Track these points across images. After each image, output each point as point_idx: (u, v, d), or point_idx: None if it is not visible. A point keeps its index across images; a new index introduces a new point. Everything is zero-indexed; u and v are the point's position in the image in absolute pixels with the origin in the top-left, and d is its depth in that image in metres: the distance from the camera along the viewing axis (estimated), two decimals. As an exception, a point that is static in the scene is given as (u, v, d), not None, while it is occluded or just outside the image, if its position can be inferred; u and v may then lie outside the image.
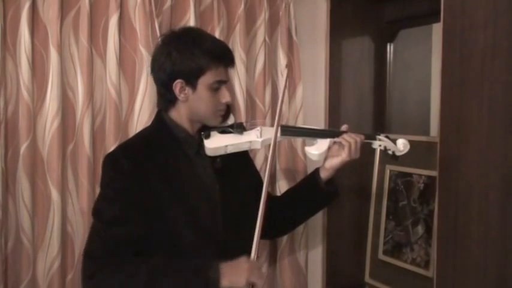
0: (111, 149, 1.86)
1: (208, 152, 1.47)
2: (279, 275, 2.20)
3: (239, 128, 1.51)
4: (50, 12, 1.81)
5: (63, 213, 1.85)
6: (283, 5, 2.18)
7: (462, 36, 1.52)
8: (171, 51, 1.42)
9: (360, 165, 2.16)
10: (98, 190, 1.88)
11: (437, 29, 1.82)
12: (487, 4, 1.45)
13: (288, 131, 1.58)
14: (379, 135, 1.64)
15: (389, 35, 2.25)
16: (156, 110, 1.89)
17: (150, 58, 1.86)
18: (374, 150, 2.15)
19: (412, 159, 1.99)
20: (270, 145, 1.46)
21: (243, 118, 2.05)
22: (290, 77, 2.21)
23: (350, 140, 1.53)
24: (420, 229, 1.95)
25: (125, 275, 1.34)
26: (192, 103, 1.45)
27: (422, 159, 1.93)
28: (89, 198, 1.86)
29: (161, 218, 1.40)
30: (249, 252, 1.34)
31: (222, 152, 1.48)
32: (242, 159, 1.60)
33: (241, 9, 2.09)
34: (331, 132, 1.60)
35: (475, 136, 1.49)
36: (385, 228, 2.11)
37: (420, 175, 1.96)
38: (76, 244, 1.88)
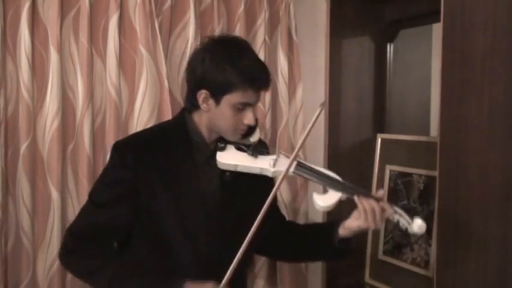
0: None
1: (219, 165, 1.45)
2: (278, 274, 2.20)
3: (255, 151, 1.46)
4: (50, 12, 1.81)
5: (63, 213, 1.85)
6: (283, 5, 2.18)
7: (462, 36, 1.52)
8: (206, 58, 1.39)
9: (360, 165, 2.16)
10: (98, 190, 1.90)
11: (437, 29, 1.82)
12: (487, 4, 1.45)
13: (303, 170, 1.45)
14: (396, 206, 1.44)
15: (389, 35, 2.25)
16: (155, 110, 1.93)
17: (150, 58, 1.89)
18: (374, 149, 2.17)
19: (412, 159, 1.99)
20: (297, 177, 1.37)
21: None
22: (290, 77, 2.21)
23: (366, 207, 1.37)
24: (420, 229, 1.95)
25: (95, 265, 1.41)
26: (213, 115, 1.43)
27: (422, 159, 1.93)
28: (89, 198, 1.86)
29: (152, 216, 1.42)
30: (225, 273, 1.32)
31: (231, 169, 1.45)
32: (261, 181, 1.51)
33: (241, 9, 2.09)
34: (347, 187, 1.43)
35: (475, 136, 1.49)
36: (385, 228, 2.10)
37: (420, 175, 1.96)
38: (76, 244, 1.88)
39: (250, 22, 2.14)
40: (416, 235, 1.43)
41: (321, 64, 2.22)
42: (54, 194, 1.81)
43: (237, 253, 1.31)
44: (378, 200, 1.41)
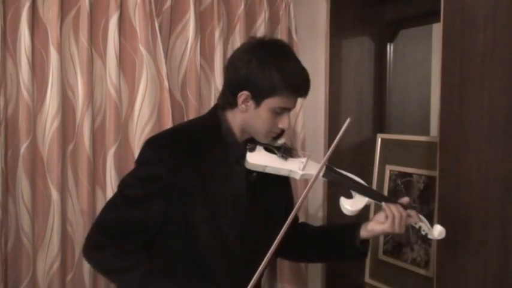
0: (112, 148, 1.87)
1: (247, 165, 1.45)
2: (278, 275, 2.20)
3: (285, 154, 1.46)
4: (50, 12, 1.81)
5: (63, 213, 1.85)
6: (283, 5, 2.18)
7: (462, 36, 1.52)
8: (252, 60, 1.38)
9: (359, 165, 2.16)
10: (98, 190, 1.91)
11: (437, 29, 1.82)
12: (487, 4, 1.45)
13: (332, 175, 1.48)
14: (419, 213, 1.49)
15: (389, 35, 2.25)
16: (155, 110, 1.93)
17: (150, 58, 1.89)
18: (374, 149, 2.17)
19: (412, 159, 1.99)
20: (308, 180, 1.39)
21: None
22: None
23: (395, 213, 1.42)
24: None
25: (125, 265, 1.38)
26: (249, 116, 1.42)
27: (422, 159, 1.93)
28: (89, 198, 1.86)
29: (184, 214, 1.40)
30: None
31: (259, 170, 1.45)
32: (281, 181, 1.55)
33: (241, 9, 2.09)
34: (373, 193, 1.50)
35: (475, 136, 1.49)
36: (385, 228, 2.10)
37: (420, 175, 1.96)
38: (76, 244, 1.88)
39: (250, 22, 2.14)
40: (435, 239, 1.48)
41: (321, 64, 2.22)
42: (54, 194, 1.81)
43: (264, 253, 1.30)
44: (404, 206, 1.45)
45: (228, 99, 1.45)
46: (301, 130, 2.23)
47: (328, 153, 1.42)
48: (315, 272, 2.27)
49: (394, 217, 1.42)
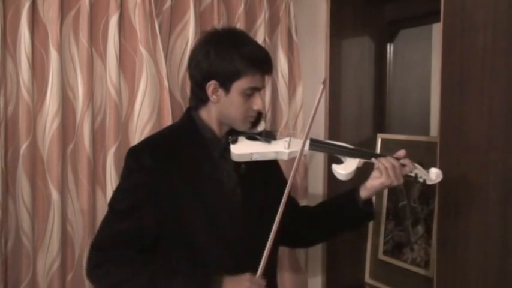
0: (112, 148, 1.87)
1: (234, 158, 1.45)
2: (278, 275, 2.20)
3: (267, 137, 1.47)
4: (50, 12, 1.81)
5: (63, 213, 1.85)
6: (283, 5, 2.19)
7: (462, 36, 1.52)
8: (210, 50, 1.40)
9: (360, 165, 2.16)
10: (98, 190, 1.91)
11: (437, 29, 1.82)
12: (487, 4, 1.45)
13: (317, 146, 1.49)
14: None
15: (389, 35, 2.25)
16: (155, 110, 1.93)
17: (150, 58, 1.89)
18: (374, 148, 2.17)
19: (412, 159, 1.98)
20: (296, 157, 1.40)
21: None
22: (290, 77, 2.21)
23: (386, 165, 1.44)
24: (420, 229, 1.95)
25: (130, 272, 1.37)
26: (223, 106, 1.43)
27: (422, 159, 1.93)
28: (89, 198, 1.86)
29: (177, 217, 1.40)
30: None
31: (247, 159, 1.45)
32: (270, 166, 1.56)
33: (241, 9, 2.09)
34: (362, 152, 1.50)
35: (475, 136, 1.49)
36: (385, 228, 2.10)
37: (420, 175, 1.96)
38: (76, 244, 1.88)
39: (250, 22, 2.14)
40: (433, 183, 1.48)
41: (321, 64, 2.22)
42: (54, 194, 1.81)
43: (265, 243, 1.32)
44: (397, 158, 1.47)
45: (198, 96, 1.46)
46: (301, 130, 2.23)
47: (309, 123, 1.42)
48: (315, 272, 2.27)
49: (387, 168, 1.44)
